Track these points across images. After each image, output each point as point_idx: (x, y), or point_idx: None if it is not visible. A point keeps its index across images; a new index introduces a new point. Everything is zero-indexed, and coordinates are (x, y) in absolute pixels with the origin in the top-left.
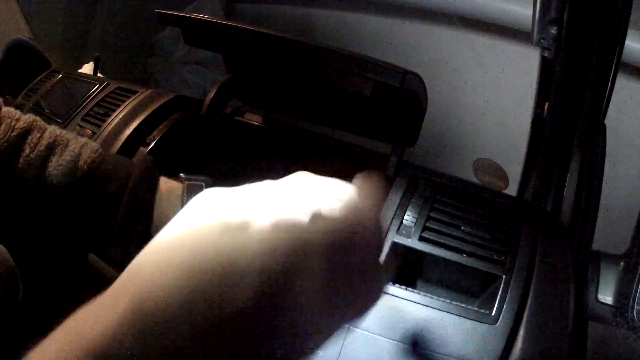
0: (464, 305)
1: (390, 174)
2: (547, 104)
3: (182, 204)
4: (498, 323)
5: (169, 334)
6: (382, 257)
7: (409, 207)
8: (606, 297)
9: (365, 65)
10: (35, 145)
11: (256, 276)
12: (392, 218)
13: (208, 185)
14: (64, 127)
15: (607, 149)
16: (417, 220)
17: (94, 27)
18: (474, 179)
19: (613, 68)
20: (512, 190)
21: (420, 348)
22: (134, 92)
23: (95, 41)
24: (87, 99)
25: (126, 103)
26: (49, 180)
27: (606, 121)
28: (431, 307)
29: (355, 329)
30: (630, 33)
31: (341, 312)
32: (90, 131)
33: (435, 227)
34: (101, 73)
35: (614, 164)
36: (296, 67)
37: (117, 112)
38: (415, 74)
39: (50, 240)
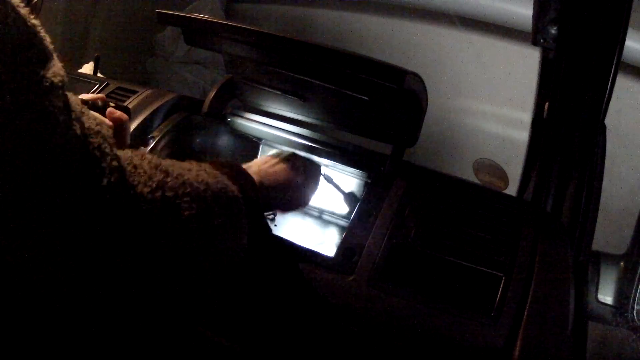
0: (464, 305)
1: (390, 173)
2: (547, 104)
3: None
4: (498, 323)
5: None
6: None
7: (409, 208)
8: (606, 297)
9: (366, 66)
10: None
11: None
12: (393, 218)
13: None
14: None
15: (607, 149)
16: (417, 220)
17: (94, 27)
18: (474, 179)
19: (613, 68)
20: (512, 190)
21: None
22: (134, 92)
23: (95, 41)
24: None
25: (126, 103)
26: None
27: (606, 121)
28: (432, 307)
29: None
30: (630, 33)
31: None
32: None
33: (436, 227)
34: (101, 73)
35: (614, 164)
36: (296, 67)
37: None
38: (415, 74)
39: None
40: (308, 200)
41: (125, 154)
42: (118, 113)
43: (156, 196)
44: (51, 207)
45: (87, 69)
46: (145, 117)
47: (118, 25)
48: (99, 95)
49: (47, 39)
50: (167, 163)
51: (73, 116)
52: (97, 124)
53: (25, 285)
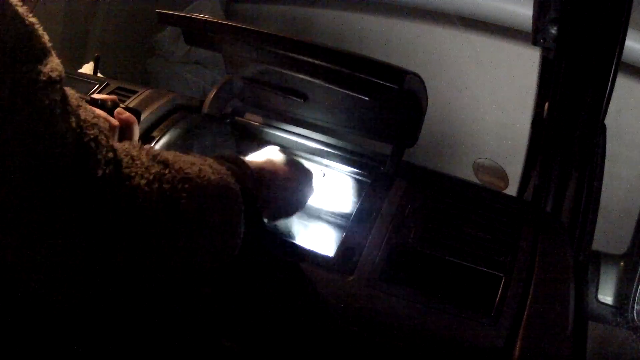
0: (464, 305)
1: (390, 173)
2: (547, 104)
3: None
4: (498, 323)
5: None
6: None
7: (409, 208)
8: (606, 297)
9: (366, 66)
10: None
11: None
12: (393, 218)
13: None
14: None
15: (607, 149)
16: (417, 220)
17: (94, 27)
18: (474, 179)
19: (613, 68)
20: (512, 190)
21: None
22: (134, 92)
23: (95, 41)
24: None
25: (126, 103)
26: None
27: (606, 121)
28: (432, 307)
29: None
30: (630, 33)
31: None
32: None
33: (436, 227)
34: (101, 73)
35: (614, 164)
36: (296, 67)
37: None
38: (415, 74)
39: None
40: (303, 204)
41: (122, 145)
42: (126, 114)
43: (153, 188)
44: (47, 198)
45: (87, 69)
46: (145, 117)
47: (118, 25)
48: (112, 96)
49: (45, 37)
50: (166, 154)
51: (69, 109)
52: (93, 117)
53: (24, 283)
